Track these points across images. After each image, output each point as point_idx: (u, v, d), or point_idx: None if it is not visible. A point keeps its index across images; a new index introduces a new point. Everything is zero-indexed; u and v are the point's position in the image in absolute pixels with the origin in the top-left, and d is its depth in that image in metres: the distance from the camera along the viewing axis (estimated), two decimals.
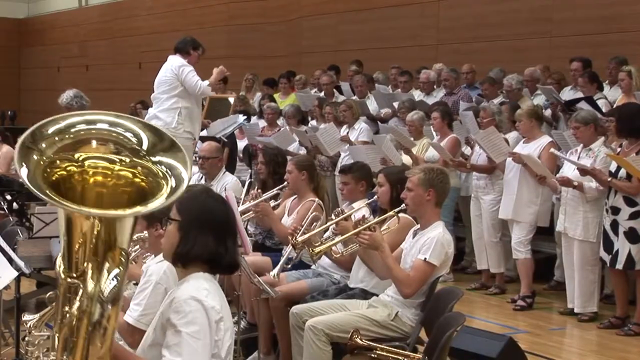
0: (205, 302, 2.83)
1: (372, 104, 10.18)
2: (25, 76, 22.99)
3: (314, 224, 5.25)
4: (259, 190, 6.04)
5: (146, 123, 2.44)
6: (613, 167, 6.43)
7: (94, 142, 2.32)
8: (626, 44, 9.41)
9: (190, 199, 3.02)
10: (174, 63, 7.94)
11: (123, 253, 2.40)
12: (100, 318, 2.34)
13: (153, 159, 2.34)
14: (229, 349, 2.91)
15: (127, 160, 2.33)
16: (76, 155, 2.30)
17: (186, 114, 7.88)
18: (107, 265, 2.36)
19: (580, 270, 6.70)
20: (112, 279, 2.35)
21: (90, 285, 2.33)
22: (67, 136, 2.30)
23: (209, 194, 3.10)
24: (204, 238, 2.95)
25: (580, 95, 8.16)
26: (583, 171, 6.47)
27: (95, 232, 2.32)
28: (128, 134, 2.34)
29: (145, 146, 2.35)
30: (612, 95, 8.19)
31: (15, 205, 8.03)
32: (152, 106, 8.45)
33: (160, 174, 2.34)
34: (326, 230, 5.11)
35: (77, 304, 2.34)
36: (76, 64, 20.67)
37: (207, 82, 7.94)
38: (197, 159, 6.91)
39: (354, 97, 10.27)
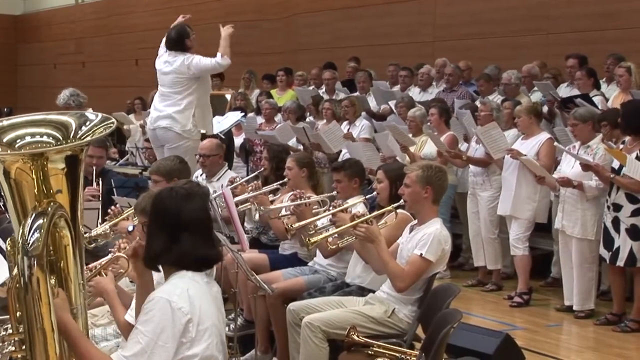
0: (174, 303, 2.82)
1: (371, 101, 10.19)
2: (21, 73, 22.95)
3: (316, 205, 5.30)
4: (259, 182, 6.05)
5: (46, 120, 2.70)
6: (616, 164, 6.41)
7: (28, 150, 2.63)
8: (623, 41, 9.41)
9: (152, 201, 3.06)
10: (183, 61, 7.61)
11: (52, 203, 2.47)
12: (30, 275, 2.36)
13: (73, 138, 2.64)
14: (209, 347, 2.88)
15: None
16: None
17: (199, 114, 7.67)
18: (32, 216, 2.42)
19: (578, 268, 6.70)
20: (35, 230, 2.39)
21: (19, 238, 2.40)
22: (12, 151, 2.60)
23: (173, 189, 3.06)
24: (159, 240, 2.96)
25: (576, 92, 8.16)
26: (585, 166, 6.45)
27: (28, 185, 2.50)
28: (45, 138, 2.64)
29: (61, 137, 2.63)
30: (609, 93, 8.18)
31: None
32: (151, 101, 8.27)
33: (90, 137, 2.64)
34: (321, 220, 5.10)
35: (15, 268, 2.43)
36: (72, 60, 20.63)
37: (219, 55, 7.62)
38: (198, 157, 6.84)
39: (356, 94, 10.27)
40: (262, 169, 6.80)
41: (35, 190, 2.50)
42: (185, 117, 7.61)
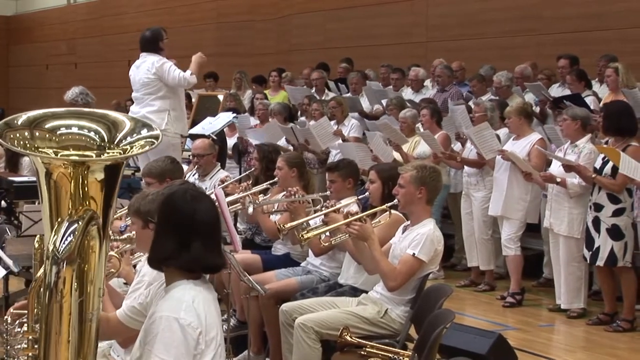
0: (182, 320, 2.78)
1: (364, 101, 10.20)
2: (13, 74, 22.90)
3: (308, 203, 5.31)
4: (249, 183, 6.05)
5: (96, 115, 2.66)
6: (598, 163, 6.45)
7: (70, 149, 2.58)
8: (614, 42, 9.45)
9: (162, 201, 2.98)
10: (153, 62, 7.74)
11: (88, 211, 2.46)
12: (56, 279, 2.36)
13: (115, 144, 2.61)
14: (216, 356, 2.86)
15: (100, 156, 2.61)
16: (55, 153, 2.57)
17: (174, 115, 7.76)
18: (67, 221, 2.42)
19: (566, 267, 6.72)
20: (69, 235, 2.38)
21: (50, 243, 2.39)
22: (51, 137, 2.56)
23: (180, 192, 2.98)
24: (168, 242, 2.88)
25: (568, 92, 8.19)
26: (568, 167, 6.50)
27: (66, 190, 2.47)
28: (92, 134, 2.60)
29: (106, 139, 2.61)
30: (602, 93, 8.21)
31: (3, 203, 8.00)
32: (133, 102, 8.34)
33: (127, 149, 2.60)
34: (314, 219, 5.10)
35: (41, 268, 2.42)
36: (65, 61, 20.59)
37: (189, 72, 7.74)
38: (192, 157, 6.87)
39: (348, 94, 10.28)
40: (254, 169, 6.81)
41: (72, 197, 2.49)
42: (159, 118, 7.67)
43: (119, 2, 18.96)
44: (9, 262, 4.92)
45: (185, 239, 2.88)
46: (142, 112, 7.72)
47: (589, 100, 7.82)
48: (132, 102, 12.97)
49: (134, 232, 4.51)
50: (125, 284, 4.43)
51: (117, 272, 4.18)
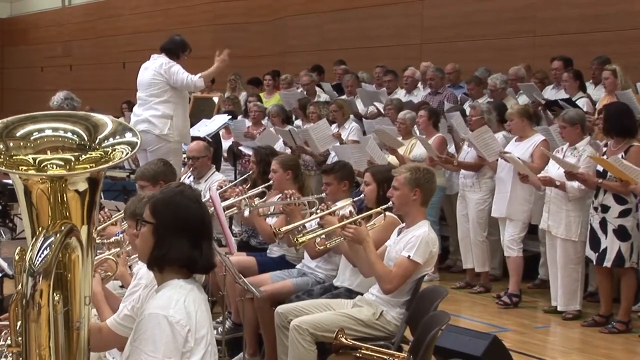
0: (171, 317, 2.78)
1: (359, 103, 10.21)
2: (8, 76, 22.88)
3: (304, 206, 5.31)
4: (245, 187, 6.05)
5: (76, 117, 2.63)
6: (601, 167, 6.44)
7: (48, 152, 2.53)
8: (609, 44, 9.46)
9: (164, 202, 2.95)
10: (162, 63, 7.66)
11: (65, 224, 2.44)
12: (32, 291, 2.33)
13: (97, 144, 2.56)
14: (206, 354, 2.86)
15: (80, 158, 2.55)
16: (34, 159, 2.52)
17: (177, 121, 7.69)
18: (43, 235, 2.39)
19: (563, 269, 6.73)
20: (45, 248, 2.36)
21: (27, 257, 2.36)
22: (25, 144, 2.52)
23: (184, 194, 2.98)
24: (179, 243, 2.88)
25: (562, 94, 8.19)
26: (571, 175, 6.47)
27: (46, 204, 2.45)
28: (68, 134, 2.56)
29: (86, 139, 2.56)
30: (595, 95, 8.22)
31: None
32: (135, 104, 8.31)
33: (109, 151, 2.54)
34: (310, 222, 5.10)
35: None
36: (60, 63, 20.58)
37: (198, 75, 7.66)
38: (187, 159, 6.86)
39: (343, 96, 10.29)
40: (251, 172, 6.80)
41: (52, 210, 2.46)
42: (162, 122, 7.62)
43: (115, 4, 18.95)
44: (4, 265, 4.91)
45: (198, 241, 2.91)
46: (145, 115, 7.66)
47: (582, 102, 7.82)
48: (128, 105, 13.06)
49: (122, 236, 4.50)
50: (121, 286, 4.43)
51: (113, 274, 4.18)
